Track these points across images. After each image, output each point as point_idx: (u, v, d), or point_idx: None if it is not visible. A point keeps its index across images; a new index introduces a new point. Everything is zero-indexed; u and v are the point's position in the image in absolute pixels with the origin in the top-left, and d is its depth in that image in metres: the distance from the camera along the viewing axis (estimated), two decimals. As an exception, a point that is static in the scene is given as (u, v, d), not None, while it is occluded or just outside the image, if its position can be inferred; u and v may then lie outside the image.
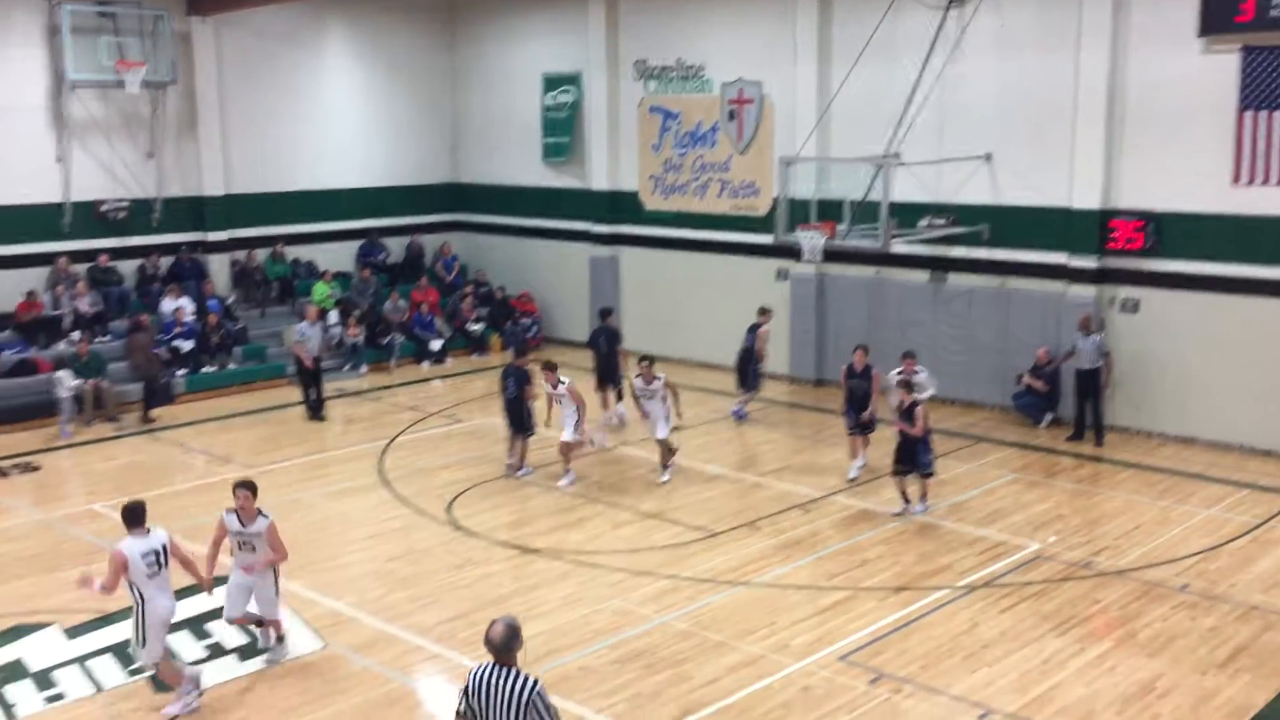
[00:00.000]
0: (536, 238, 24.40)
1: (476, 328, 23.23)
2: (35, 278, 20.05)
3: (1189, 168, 15.92)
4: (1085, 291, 16.94)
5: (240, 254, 22.60)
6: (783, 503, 14.08)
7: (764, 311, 18.26)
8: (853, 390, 14.86)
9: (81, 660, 10.12)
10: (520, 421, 15.13)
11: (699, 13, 21.06)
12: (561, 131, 23.47)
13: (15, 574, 12.14)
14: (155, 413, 18.30)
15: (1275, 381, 15.55)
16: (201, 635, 10.62)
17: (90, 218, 20.70)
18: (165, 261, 21.56)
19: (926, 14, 17.77)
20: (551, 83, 23.53)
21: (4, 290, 19.53)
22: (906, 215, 17.47)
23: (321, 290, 22.26)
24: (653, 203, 22.35)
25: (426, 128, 25.26)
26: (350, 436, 17.50)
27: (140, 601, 8.95)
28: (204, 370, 19.99)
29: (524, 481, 15.00)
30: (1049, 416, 17.23)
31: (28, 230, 19.94)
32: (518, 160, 24.44)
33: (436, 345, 22.45)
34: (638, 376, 14.99)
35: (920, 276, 18.77)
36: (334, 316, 21.76)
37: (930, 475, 13.57)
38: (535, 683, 6.08)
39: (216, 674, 9.85)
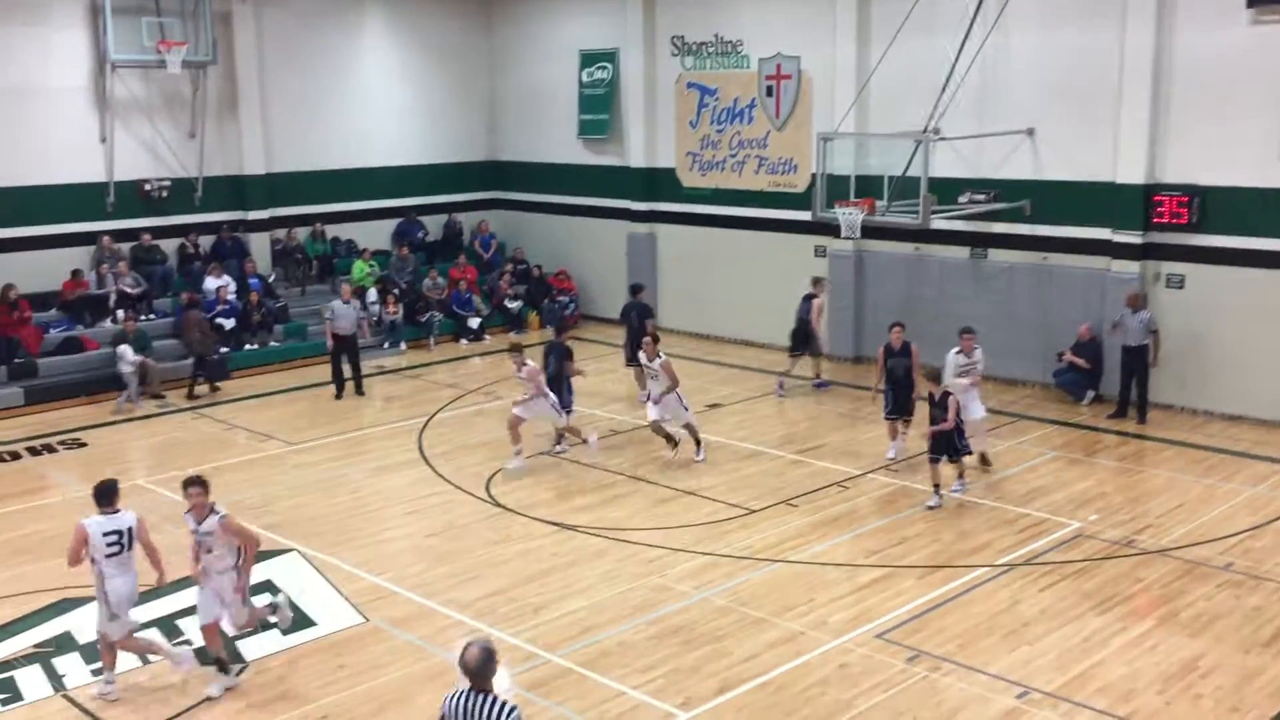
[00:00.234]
0: (574, 215, 24.40)
1: (514, 305, 23.30)
2: (80, 257, 20.32)
3: (1236, 141, 15.63)
4: (1129, 267, 16.71)
5: (281, 233, 22.78)
6: (821, 480, 14.04)
7: (817, 282, 18.34)
8: (891, 369, 14.58)
9: (128, 633, 10.28)
10: (560, 398, 15.25)
11: (737, -13, 20.92)
12: (599, 109, 23.41)
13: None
14: (201, 389, 18.65)
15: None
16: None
17: (133, 197, 20.94)
18: (205, 240, 21.76)
19: (967, -14, 17.54)
20: (588, 59, 23.47)
21: (50, 269, 19.80)
22: (946, 191, 17.29)
23: (360, 268, 22.41)
24: (690, 180, 22.28)
25: (464, 106, 25.29)
26: (389, 414, 17.64)
27: (100, 578, 9.06)
28: (245, 348, 20.20)
29: (562, 458, 15.06)
30: (1091, 394, 17.06)
31: (72, 210, 20.20)
32: (555, 138, 24.42)
33: (475, 323, 22.55)
34: (641, 351, 15.17)
35: (960, 253, 18.59)
36: (373, 294, 21.93)
37: (965, 455, 13.33)
38: (514, 710, 5.84)
39: (260, 648, 10.00)
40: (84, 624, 10.44)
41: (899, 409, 14.67)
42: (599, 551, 11.99)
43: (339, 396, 18.33)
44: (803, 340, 18.12)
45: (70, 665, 9.78)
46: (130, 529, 9.15)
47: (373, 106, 23.90)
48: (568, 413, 15.36)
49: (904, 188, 16.69)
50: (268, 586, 11.21)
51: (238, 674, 9.46)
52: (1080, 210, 17.12)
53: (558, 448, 15.31)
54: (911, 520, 12.64)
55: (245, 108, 21.97)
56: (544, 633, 10.16)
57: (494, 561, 11.79)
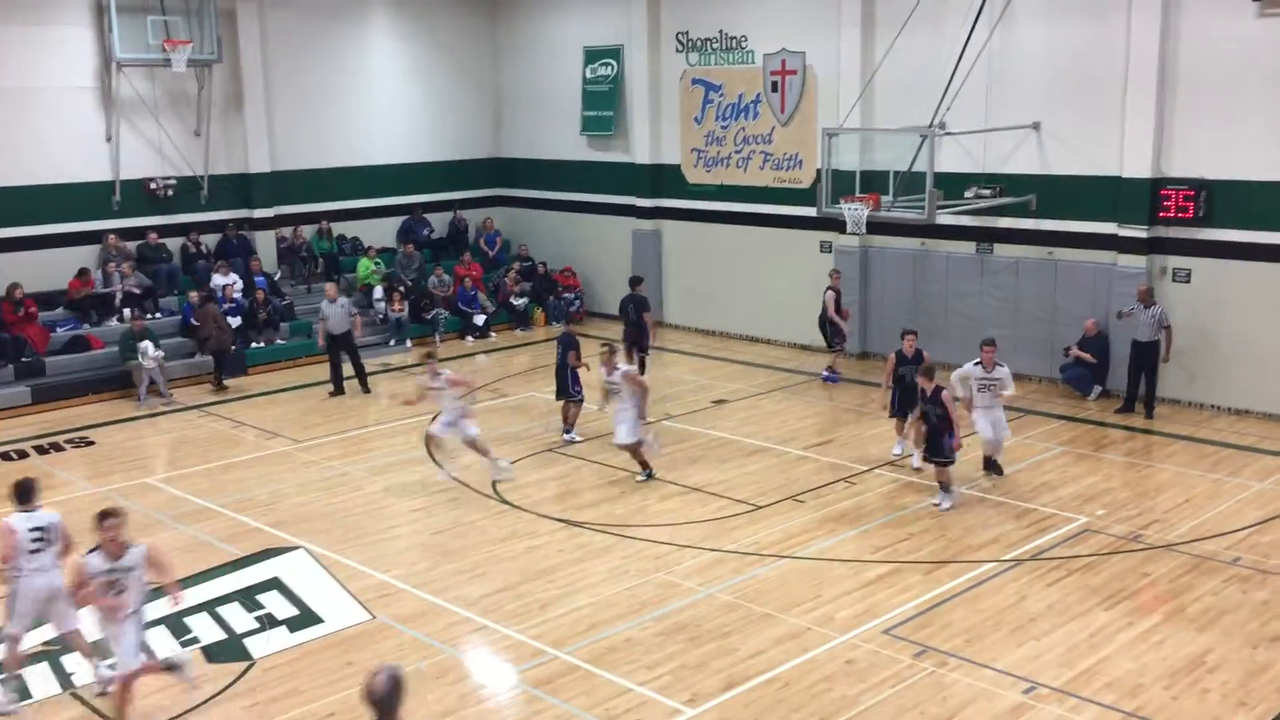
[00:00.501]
0: (579, 212, 24.40)
1: (520, 302, 23.31)
2: (86, 255, 20.36)
3: (1242, 135, 15.59)
4: (1135, 262, 16.67)
5: (286, 230, 22.81)
6: (827, 476, 14.04)
7: (832, 273, 18.58)
8: (902, 377, 14.03)
9: (136, 631, 10.30)
10: (563, 387, 15.38)
11: (741, -17, 20.89)
12: (603, 105, 23.40)
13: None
14: (229, 382, 18.91)
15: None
16: (252, 606, 10.79)
17: (139, 195, 20.97)
18: (207, 239, 21.79)
19: (972, -20, 17.50)
20: (592, 56, 23.46)
21: (56, 268, 19.84)
22: (952, 186, 17.26)
23: (365, 266, 22.43)
24: (695, 176, 22.26)
25: (469, 103, 25.29)
26: (395, 411, 17.65)
27: (16, 574, 8.96)
28: (251, 346, 20.24)
29: (569, 455, 15.06)
30: (1098, 388, 17.03)
31: (78, 208, 20.24)
32: (560, 135, 24.42)
33: (480, 320, 22.57)
34: (601, 365, 14.05)
35: (967, 248, 18.56)
36: (379, 292, 21.96)
37: (949, 463, 12.70)
38: None
39: (267, 645, 10.02)
40: (91, 624, 10.46)
41: (905, 409, 14.32)
42: (605, 548, 11.99)
43: (334, 394, 18.35)
44: (829, 331, 18.42)
45: (79, 663, 9.79)
46: (51, 525, 9.09)
47: (377, 104, 23.91)
48: (578, 402, 15.36)
49: (910, 183, 16.65)
50: (276, 584, 11.26)
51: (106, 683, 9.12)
52: (1086, 204, 17.08)
53: (566, 437, 15.38)
54: (918, 516, 12.63)
55: (250, 106, 21.98)
56: (550, 629, 10.17)
57: (500, 558, 11.80)
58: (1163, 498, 13.19)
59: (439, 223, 24.84)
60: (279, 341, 20.64)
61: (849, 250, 19.70)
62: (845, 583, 11.00)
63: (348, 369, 18.53)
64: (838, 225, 17.93)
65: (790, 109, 20.52)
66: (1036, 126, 17.43)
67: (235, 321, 20.18)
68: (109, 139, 20.48)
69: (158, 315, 20.06)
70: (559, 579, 11.23)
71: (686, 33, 21.90)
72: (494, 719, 8.95)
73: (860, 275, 19.75)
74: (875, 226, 17.66)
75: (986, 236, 18.31)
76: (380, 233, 24.04)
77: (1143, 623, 10.07)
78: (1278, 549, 11.60)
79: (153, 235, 21.00)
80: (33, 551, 8.98)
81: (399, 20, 24.09)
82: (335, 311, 18.41)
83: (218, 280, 20.66)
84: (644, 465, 13.95)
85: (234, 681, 9.45)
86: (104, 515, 8.51)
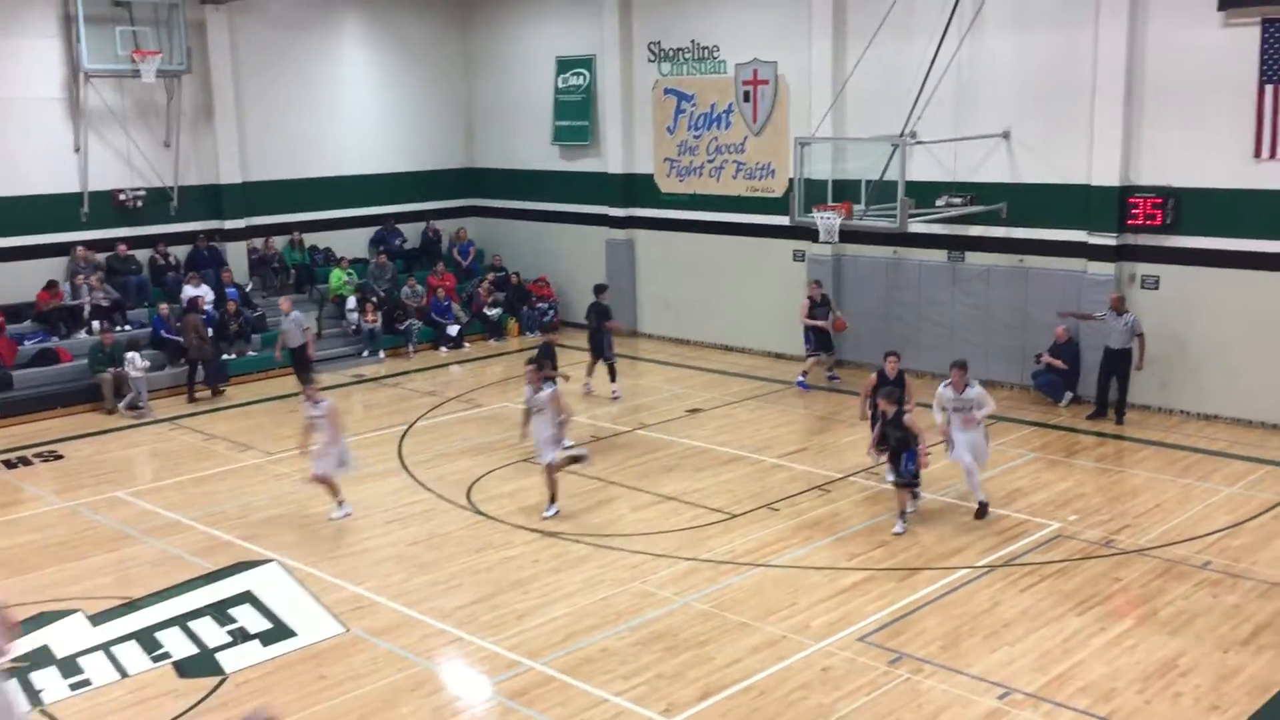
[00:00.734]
0: (552, 221, 24.39)
1: (494, 313, 23.27)
2: (55, 267, 20.17)
3: (1209, 143, 15.77)
4: (1105, 269, 16.82)
5: (258, 241, 22.68)
6: (802, 484, 14.06)
7: (810, 283, 18.96)
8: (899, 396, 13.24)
9: (106, 647, 10.21)
10: None
11: (713, -7, 20.98)
12: (576, 115, 23.42)
13: (39, 562, 12.24)
14: (202, 393, 18.96)
15: (1297, 357, 15.44)
16: (225, 620, 10.70)
17: (108, 207, 20.81)
18: (176, 250, 21.62)
19: (942, -9, 17.65)
20: (564, 65, 23.48)
21: (24, 280, 19.63)
22: (924, 194, 17.37)
23: (338, 277, 22.34)
24: (668, 185, 22.30)
25: (441, 113, 25.25)
26: (369, 422, 17.57)
27: None
28: (223, 357, 20.10)
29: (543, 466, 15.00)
30: (1069, 395, 17.15)
31: (47, 220, 20.05)
32: (532, 144, 24.41)
33: (454, 330, 22.50)
34: (527, 384, 13.38)
35: (939, 256, 18.68)
36: (352, 302, 21.88)
37: (912, 486, 12.52)
38: None
39: (239, 659, 9.93)
40: (62, 639, 10.35)
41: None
42: (581, 558, 11.96)
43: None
44: (819, 340, 18.64)
45: (48, 680, 9.67)
46: None
47: (349, 114, 23.84)
48: None
49: (882, 191, 16.75)
50: (248, 598, 11.16)
51: None
52: (1056, 212, 17.23)
53: (567, 444, 15.38)
54: (892, 523, 12.65)
55: (221, 116, 21.86)
56: (526, 640, 10.13)
57: (476, 569, 11.75)
58: (1134, 503, 13.29)
59: (412, 233, 24.77)
60: (251, 353, 20.50)
61: (822, 259, 19.78)
62: (820, 590, 11.02)
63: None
64: (811, 234, 18.02)
65: (762, 118, 20.60)
66: (1006, 135, 17.58)
67: (208, 333, 20.02)
68: (77, 150, 20.32)
69: (127, 327, 19.89)
70: (534, 590, 11.20)
71: (659, 43, 21.96)
72: (469, 731, 8.90)
73: (834, 283, 19.84)
74: (848, 235, 17.71)
75: (958, 245, 18.43)
76: (352, 243, 23.95)
77: (1115, 627, 10.13)
78: (1247, 553, 11.71)
79: (122, 247, 20.83)
80: None
81: (370, 31, 24.04)
82: (287, 325, 18.39)
83: (189, 291, 20.51)
84: (553, 497, 13.15)
85: (206, 696, 9.35)
86: None
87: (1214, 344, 16.10)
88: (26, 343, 18.95)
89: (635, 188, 22.79)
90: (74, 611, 10.92)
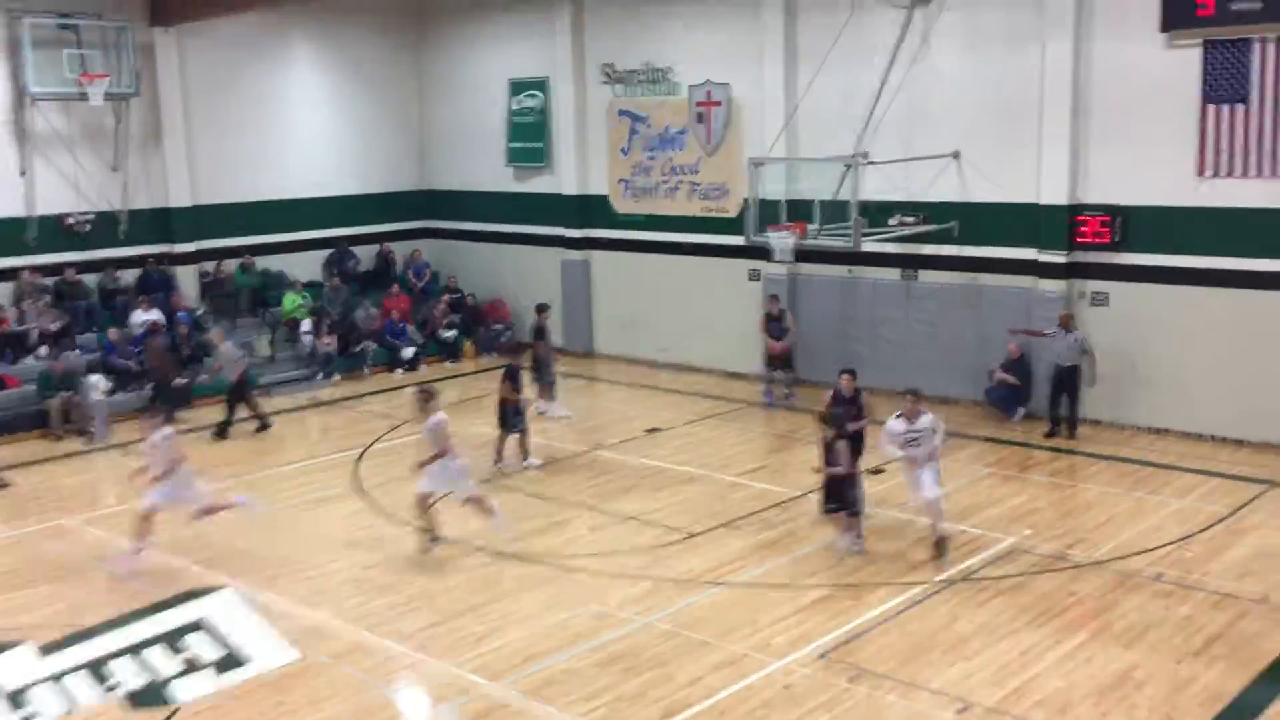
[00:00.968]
0: (508, 243, 24.36)
1: (449, 335, 23.16)
2: (1, 292, 19.83)
3: (1155, 161, 16.07)
4: (1055, 286, 17.07)
5: (209, 265, 22.44)
6: (761, 502, 14.10)
7: (768, 298, 19.22)
8: (836, 417, 12.86)
9: (56, 678, 9.99)
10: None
11: (666, 15, 21.09)
12: (531, 137, 23.44)
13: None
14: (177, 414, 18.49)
15: (1243, 372, 15.71)
16: (178, 649, 10.52)
17: (56, 231, 20.50)
18: (125, 275, 21.34)
19: (892, 13, 17.87)
20: (518, 87, 23.51)
21: (-31, 306, 19.32)
22: (877, 214, 17.54)
23: (291, 300, 22.14)
24: (623, 206, 22.36)
25: (395, 135, 25.18)
26: (325, 446, 17.40)
27: None
28: (175, 382, 19.81)
29: (501, 486, 14.94)
30: (1021, 410, 17.35)
31: (-8, 245, 19.77)
32: (487, 166, 24.39)
33: (409, 353, 22.37)
34: (416, 412, 12.92)
35: (892, 274, 18.86)
36: (306, 325, 21.69)
37: (857, 514, 12.30)
38: None
39: (194, 688, 9.76)
40: (10, 670, 10.12)
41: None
42: (541, 579, 11.90)
43: (259, 429, 18.05)
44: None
45: (-6, 713, 9.47)
46: None
47: (301, 136, 23.70)
48: (519, 432, 15.41)
49: (835, 211, 16.90)
50: (202, 625, 10.99)
51: None
52: (1006, 231, 17.47)
53: (498, 463, 15.40)
54: (851, 543, 12.69)
55: (170, 139, 21.64)
56: (486, 663, 10.05)
57: (434, 592, 11.64)
58: (1087, 517, 13.45)
59: (366, 255, 24.63)
60: (202, 377, 20.23)
61: (777, 278, 19.89)
62: (780, 608, 11.04)
63: (244, 411, 18.18)
64: (766, 253, 18.13)
65: (716, 139, 20.73)
66: (957, 155, 17.82)
67: (157, 358, 19.83)
68: (23, 174, 20.02)
69: (77, 352, 19.56)
70: (493, 611, 11.12)
71: (612, 64, 22.05)
72: (429, 757, 8.80)
73: (789, 302, 19.95)
74: (802, 254, 17.88)
75: (911, 263, 18.62)
76: (307, 266, 23.76)
77: (1071, 640, 10.23)
78: (1199, 564, 11.88)
79: (70, 271, 20.53)
80: None
81: (323, 53, 23.94)
82: (224, 356, 18.23)
83: (138, 316, 20.24)
84: (433, 531, 12.62)
85: (159, 727, 9.19)
86: None
87: (1163, 359, 16.37)
88: (-29, 369, 18.61)
89: (591, 208, 22.83)
90: (22, 642, 10.69)
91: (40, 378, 18.05)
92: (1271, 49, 14.98)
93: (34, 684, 9.91)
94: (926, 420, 12.21)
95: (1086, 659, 9.88)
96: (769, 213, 17.40)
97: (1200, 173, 15.70)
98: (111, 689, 9.74)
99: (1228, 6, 15.05)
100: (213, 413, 18.92)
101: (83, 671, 10.06)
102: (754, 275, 20.39)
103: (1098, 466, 15.30)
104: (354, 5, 23.78)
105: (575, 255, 23.08)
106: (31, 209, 20.15)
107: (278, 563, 12.58)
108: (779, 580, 11.74)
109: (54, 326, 19.57)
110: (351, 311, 22.58)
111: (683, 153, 21.30)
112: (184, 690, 9.73)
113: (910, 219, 17.89)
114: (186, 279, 22.05)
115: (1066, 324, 16.32)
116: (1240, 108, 15.28)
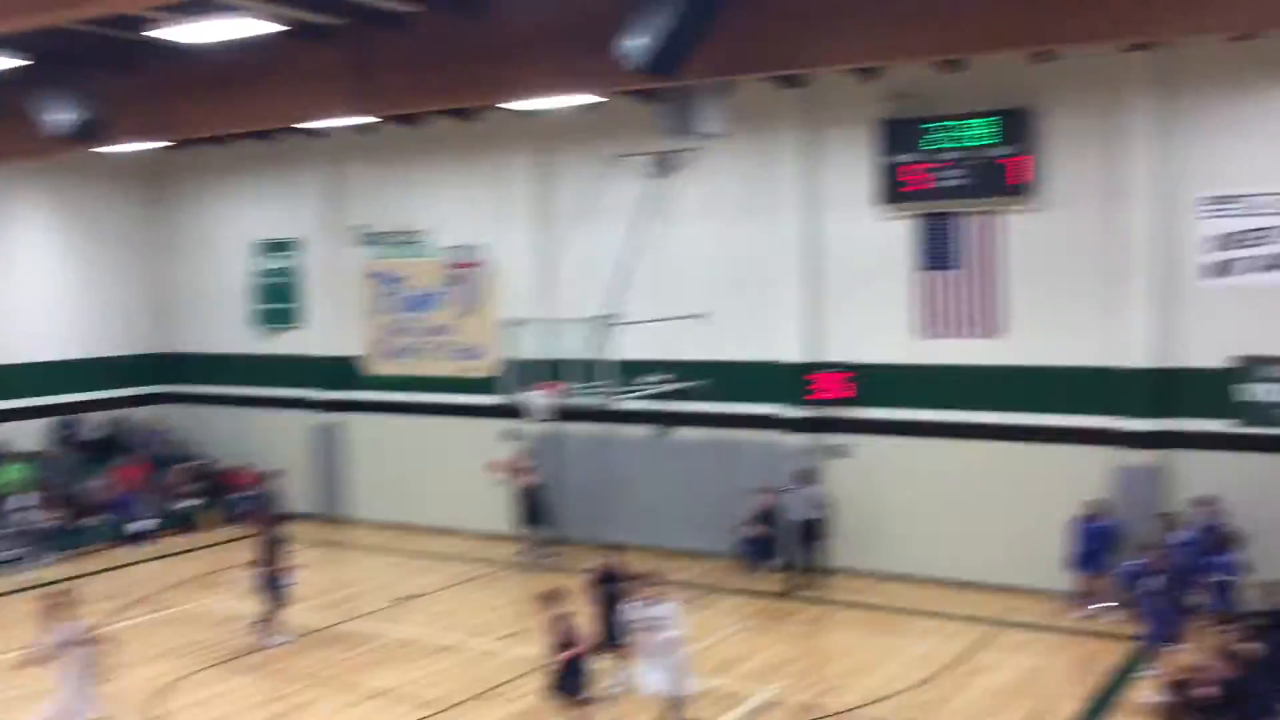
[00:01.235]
0: (255, 407, 23.42)
1: (188, 504, 21.80)
2: None
3: (881, 322, 17.24)
4: (798, 440, 17.79)
5: (-86, 436, 20.47)
6: (515, 670, 13.68)
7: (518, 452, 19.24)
8: (610, 594, 12.43)
9: None
10: (265, 585, 14.76)
11: (420, 178, 21.27)
12: (280, 298, 22.91)
13: None
14: None
15: (969, 517, 16.69)
16: None
17: None
18: None
19: (639, 180, 18.68)
20: (268, 249, 23.05)
21: None
22: (634, 372, 17.84)
23: (9, 472, 20.36)
24: (378, 367, 21.99)
25: (133, 296, 24.05)
26: (28, 636, 15.77)
27: None
28: None
29: (242, 667, 13.91)
30: (771, 562, 17.74)
31: None
32: (233, 328, 23.60)
33: (143, 525, 20.85)
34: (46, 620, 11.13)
35: (647, 431, 19.15)
36: (31, 498, 19.90)
37: (585, 702, 11.11)
38: None
39: None
40: None
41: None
42: (279, 769, 11.04)
43: None
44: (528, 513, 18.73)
45: None
46: None
47: (26, 297, 22.22)
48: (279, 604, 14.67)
49: (591, 370, 17.13)
50: None
51: None
52: (752, 388, 18.19)
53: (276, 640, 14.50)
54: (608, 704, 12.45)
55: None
56: None
57: (157, 792, 10.58)
58: (838, 664, 13.75)
59: (99, 422, 23.07)
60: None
61: (538, 437, 19.85)
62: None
63: None
64: (524, 413, 18.11)
65: (471, 300, 20.82)
66: (704, 316, 18.48)
67: None
68: None
69: None
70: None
71: (366, 226, 21.96)
72: None
73: (551, 460, 19.89)
74: (563, 413, 17.95)
75: (669, 420, 18.97)
76: (32, 435, 22.00)
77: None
78: (938, 706, 12.26)
79: None
80: None
81: (52, 209, 22.77)
82: None
83: None
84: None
85: None
86: None
87: (900, 507, 17.19)
88: None
89: (345, 370, 22.31)
90: None
91: None
92: (975, 221, 16.49)
93: None
94: (663, 608, 11.05)
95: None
96: (526, 372, 17.47)
97: (920, 333, 16.92)
98: None
99: (932, 184, 16.53)
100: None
101: None
102: (513, 434, 20.29)
103: (846, 613, 15.75)
104: (87, 163, 22.80)
105: (327, 418, 22.40)
106: None
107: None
108: (535, 751, 11.32)
109: None
110: (79, 483, 20.96)
111: (439, 313, 21.25)
112: None
113: (662, 378, 18.33)
114: (-114, 452, 20.00)
115: (801, 479, 17.01)
116: (949, 274, 16.67)
